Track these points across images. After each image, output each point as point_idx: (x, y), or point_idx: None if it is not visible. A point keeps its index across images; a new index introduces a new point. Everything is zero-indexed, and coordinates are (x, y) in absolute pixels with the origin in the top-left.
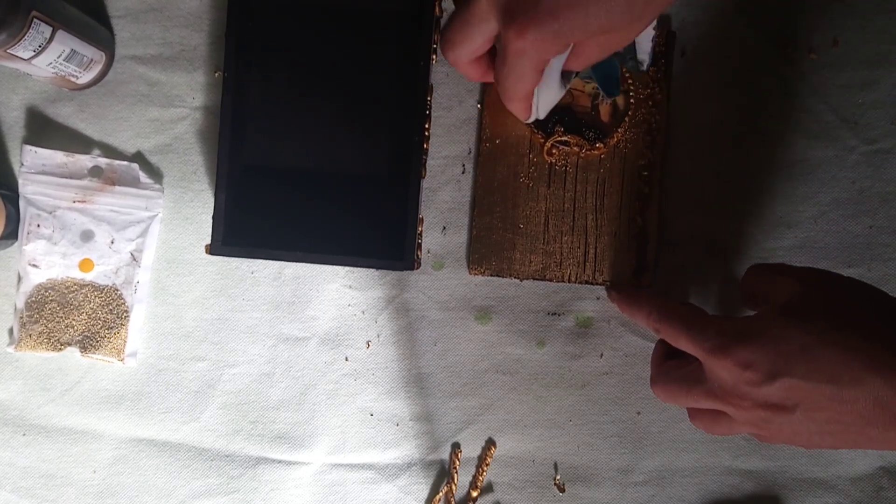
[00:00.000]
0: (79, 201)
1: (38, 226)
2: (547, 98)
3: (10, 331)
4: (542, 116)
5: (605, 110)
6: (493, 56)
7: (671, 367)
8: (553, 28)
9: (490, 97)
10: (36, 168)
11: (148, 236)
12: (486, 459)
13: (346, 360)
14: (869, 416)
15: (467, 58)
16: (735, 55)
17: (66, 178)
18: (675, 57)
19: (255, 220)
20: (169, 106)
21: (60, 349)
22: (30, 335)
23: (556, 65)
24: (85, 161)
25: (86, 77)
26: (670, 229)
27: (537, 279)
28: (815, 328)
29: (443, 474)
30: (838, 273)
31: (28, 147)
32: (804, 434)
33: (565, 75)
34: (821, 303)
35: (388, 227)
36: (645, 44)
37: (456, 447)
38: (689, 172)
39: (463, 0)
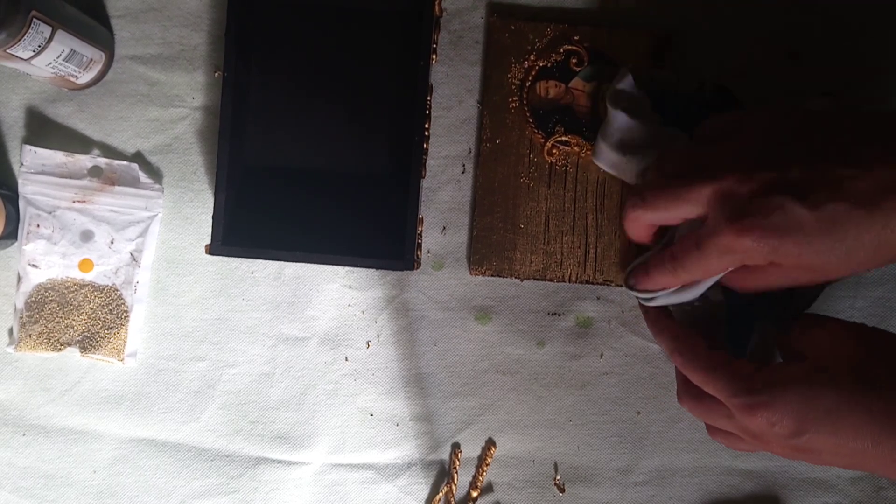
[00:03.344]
0: (78, 201)
1: (38, 226)
2: (674, 299)
3: (10, 331)
4: (653, 304)
5: (605, 110)
6: (664, 228)
7: (700, 394)
8: (772, 244)
9: (490, 97)
10: (36, 168)
11: (148, 236)
12: (486, 459)
13: (346, 360)
14: (891, 468)
15: (655, 222)
16: (734, 55)
17: (66, 178)
18: (675, 58)
19: (255, 220)
20: (169, 106)
21: (60, 349)
22: (30, 335)
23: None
24: (85, 161)
25: (85, 77)
26: None
27: (538, 279)
28: (841, 391)
29: (443, 474)
30: (873, 327)
31: (28, 147)
32: (828, 464)
33: (712, 290)
34: (850, 361)
35: (388, 227)
36: (806, 300)
37: (456, 447)
38: None
39: (681, 169)
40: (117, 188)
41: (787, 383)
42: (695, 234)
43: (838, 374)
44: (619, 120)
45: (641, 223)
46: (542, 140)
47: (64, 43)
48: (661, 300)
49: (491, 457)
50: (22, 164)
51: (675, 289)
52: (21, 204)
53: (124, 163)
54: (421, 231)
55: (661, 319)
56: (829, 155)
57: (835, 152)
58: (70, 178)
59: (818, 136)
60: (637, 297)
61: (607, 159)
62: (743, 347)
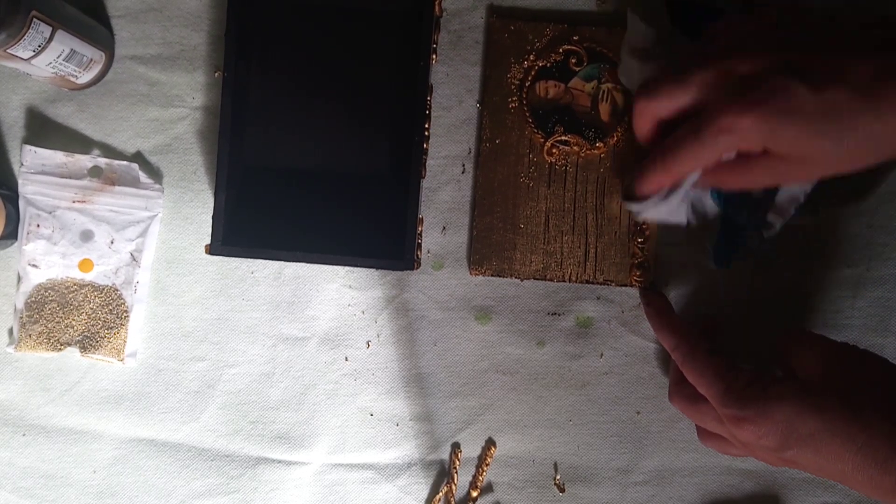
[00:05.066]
0: (78, 201)
1: (38, 226)
2: (664, 209)
3: (10, 331)
4: (642, 216)
5: (604, 109)
6: (669, 124)
7: (692, 396)
8: (772, 125)
9: (490, 97)
10: (36, 168)
11: (148, 236)
12: (486, 459)
13: (346, 360)
14: (872, 491)
15: (660, 112)
16: None
17: (66, 178)
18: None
19: (255, 220)
20: (169, 106)
21: (60, 349)
22: (30, 335)
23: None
24: (85, 161)
25: (85, 77)
26: (670, 229)
27: (538, 279)
28: (826, 416)
29: (443, 474)
30: (864, 350)
31: (28, 147)
32: (816, 475)
33: (698, 204)
34: (838, 385)
35: (388, 227)
36: (788, 204)
37: (456, 447)
38: None
39: (685, 60)
40: (117, 188)
41: (776, 401)
42: (692, 120)
43: (825, 399)
44: (636, 26)
45: (647, 115)
46: (542, 140)
47: (64, 43)
48: (651, 210)
49: (491, 457)
50: (22, 164)
51: (663, 196)
52: (21, 204)
53: (124, 163)
54: (421, 231)
55: (664, 315)
56: (829, 45)
57: (834, 43)
58: (70, 178)
59: (819, 29)
60: (630, 209)
61: (626, 68)
62: (730, 256)
